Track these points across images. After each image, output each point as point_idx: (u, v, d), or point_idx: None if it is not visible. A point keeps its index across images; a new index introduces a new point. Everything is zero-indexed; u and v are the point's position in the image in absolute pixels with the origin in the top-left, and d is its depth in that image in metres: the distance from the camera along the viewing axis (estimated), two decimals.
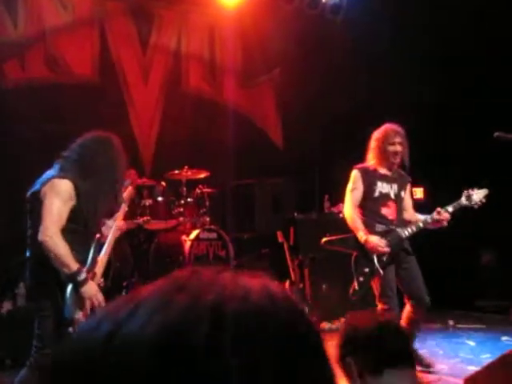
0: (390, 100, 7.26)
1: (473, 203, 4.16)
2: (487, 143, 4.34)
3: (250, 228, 6.79)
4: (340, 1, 7.77)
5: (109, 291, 5.31)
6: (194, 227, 5.96)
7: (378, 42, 7.23)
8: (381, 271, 4.08)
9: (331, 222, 6.86)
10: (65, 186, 3.10)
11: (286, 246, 6.43)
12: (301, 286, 6.39)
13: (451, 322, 6.09)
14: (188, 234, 5.81)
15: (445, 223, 4.13)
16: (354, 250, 4.19)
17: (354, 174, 4.29)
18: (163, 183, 6.03)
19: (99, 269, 3.34)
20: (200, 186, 6.11)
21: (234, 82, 7.67)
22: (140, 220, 5.75)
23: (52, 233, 3.01)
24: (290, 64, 7.59)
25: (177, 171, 6.06)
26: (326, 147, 8.03)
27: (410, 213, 4.38)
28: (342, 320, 6.50)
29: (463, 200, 4.17)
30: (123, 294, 5.61)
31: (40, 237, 3.00)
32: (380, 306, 4.12)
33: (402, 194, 4.30)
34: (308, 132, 7.72)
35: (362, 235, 4.10)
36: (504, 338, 5.29)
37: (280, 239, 6.44)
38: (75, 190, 3.12)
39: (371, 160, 4.29)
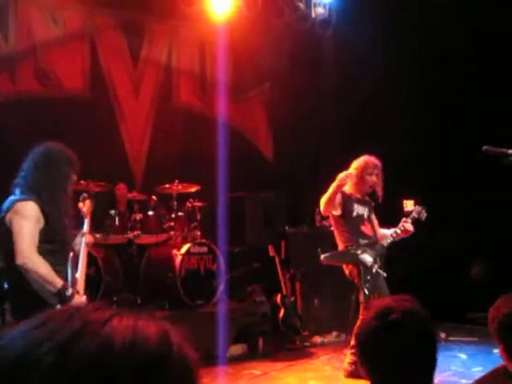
0: (382, 113, 7.33)
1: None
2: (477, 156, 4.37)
3: (241, 242, 6.77)
4: (329, 16, 7.84)
5: None
6: (184, 241, 5.94)
7: (368, 56, 7.30)
8: (384, 274, 4.64)
9: (322, 236, 6.86)
10: (30, 208, 3.04)
11: (277, 260, 6.41)
12: (292, 299, 6.37)
13: (443, 335, 6.08)
14: (179, 248, 5.78)
15: (411, 230, 4.73)
16: (351, 263, 4.66)
17: (338, 197, 4.78)
18: (154, 197, 6.01)
19: (80, 286, 3.27)
20: (191, 200, 6.09)
21: (224, 96, 7.69)
22: (130, 234, 5.73)
23: (29, 254, 2.95)
24: (281, 78, 7.64)
25: (167, 185, 6.05)
26: (315, 161, 8.07)
27: (379, 231, 4.98)
28: (334, 333, 6.50)
29: (414, 215, 4.81)
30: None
31: (18, 261, 2.94)
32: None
33: (372, 216, 4.94)
34: (298, 145, 7.75)
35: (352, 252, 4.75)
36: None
37: (271, 253, 6.43)
38: (41, 211, 3.06)
39: (346, 185, 4.75)
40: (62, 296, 3.01)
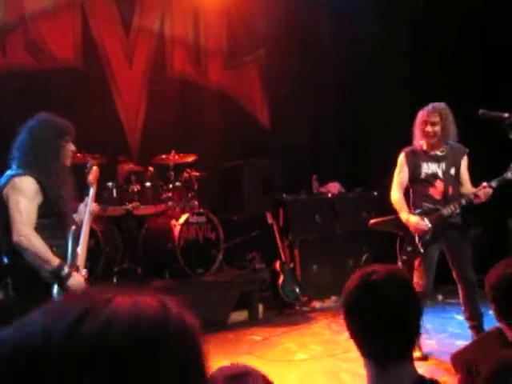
0: (375, 77, 7.26)
1: None
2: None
3: (239, 210, 6.80)
4: None
5: (99, 277, 5.33)
6: (183, 211, 5.96)
7: (363, 20, 7.20)
8: (421, 250, 4.23)
9: (320, 203, 6.91)
10: (27, 183, 3.02)
11: (275, 227, 6.46)
12: (291, 266, 6.43)
13: (440, 297, 6.17)
14: (177, 219, 5.80)
15: (483, 198, 4.12)
16: (399, 231, 4.34)
17: (400, 157, 4.43)
18: (151, 168, 6.00)
19: (81, 261, 3.26)
20: (188, 170, 6.09)
21: (219, 64, 7.60)
22: (129, 206, 5.74)
23: (26, 232, 2.95)
24: (275, 44, 7.54)
25: (164, 156, 6.03)
26: (312, 127, 8.03)
27: (465, 187, 4.40)
28: (333, 298, 6.59)
29: (509, 174, 4.12)
30: (114, 279, 5.62)
31: (14, 239, 2.94)
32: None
33: (452, 171, 4.32)
34: (295, 112, 7.70)
35: (404, 215, 4.29)
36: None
37: (269, 220, 6.47)
38: (39, 185, 3.04)
39: (417, 138, 4.35)
40: (58, 275, 3.01)
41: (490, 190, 4.11)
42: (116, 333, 0.64)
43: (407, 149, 4.42)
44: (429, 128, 4.22)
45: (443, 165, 4.31)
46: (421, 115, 4.27)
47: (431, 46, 6.89)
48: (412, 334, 1.57)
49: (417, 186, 4.38)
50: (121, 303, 0.67)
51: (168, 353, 0.67)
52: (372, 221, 4.63)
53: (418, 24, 7.00)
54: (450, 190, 4.30)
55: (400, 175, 4.41)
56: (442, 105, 4.27)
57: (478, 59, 6.62)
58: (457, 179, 4.34)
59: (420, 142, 4.36)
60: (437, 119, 4.20)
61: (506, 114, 3.96)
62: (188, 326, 0.71)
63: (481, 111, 4.03)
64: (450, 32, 6.81)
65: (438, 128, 4.21)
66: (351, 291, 1.58)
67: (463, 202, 4.22)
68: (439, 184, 4.31)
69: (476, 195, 4.15)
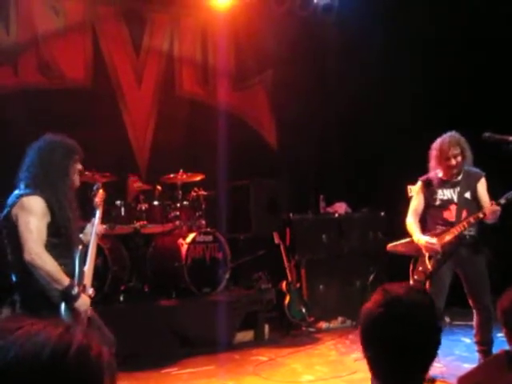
0: (384, 99, 7.30)
1: None
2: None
3: (246, 229, 6.81)
4: (331, 1, 7.79)
5: (106, 296, 5.34)
6: (190, 230, 5.98)
7: (371, 42, 7.27)
8: (430, 268, 4.28)
9: (327, 222, 6.91)
10: (35, 203, 3.03)
11: (282, 247, 6.46)
12: (298, 286, 6.42)
13: (447, 319, 6.12)
14: (184, 238, 5.82)
15: (489, 216, 4.11)
16: (413, 252, 4.41)
17: (417, 185, 4.56)
18: (159, 187, 6.04)
19: (88, 279, 3.28)
20: (195, 189, 6.12)
21: (227, 85, 7.68)
22: (137, 224, 5.77)
23: (37, 251, 2.97)
24: (283, 65, 7.62)
25: (172, 175, 6.08)
26: (320, 147, 8.07)
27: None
28: (340, 319, 6.55)
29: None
30: (121, 298, 5.62)
31: (26, 257, 2.95)
32: None
33: (467, 194, 4.34)
34: (302, 132, 7.75)
35: (415, 236, 4.37)
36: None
37: (276, 240, 6.47)
38: (47, 205, 3.06)
39: (435, 168, 4.41)
40: (67, 295, 3.03)
41: (496, 208, 4.08)
42: (17, 358, 0.71)
43: (424, 177, 4.51)
44: (452, 162, 4.27)
45: (458, 189, 4.36)
46: (440, 149, 4.30)
47: (440, 70, 6.93)
48: (429, 361, 1.56)
49: (432, 211, 4.46)
50: (26, 331, 0.74)
51: (66, 379, 0.73)
52: (389, 245, 4.68)
53: (428, 46, 7.05)
54: (464, 213, 4.30)
55: (415, 202, 4.53)
56: (457, 135, 4.32)
57: (491, 85, 6.63)
58: (473, 203, 4.34)
59: (436, 171, 4.42)
60: (458, 151, 4.27)
61: (511, 138, 3.97)
62: (91, 354, 0.76)
63: (486, 134, 4.05)
64: (459, 56, 6.85)
65: (459, 158, 4.28)
66: (372, 312, 1.52)
67: (471, 220, 4.19)
68: (453, 207, 4.35)
69: (484, 213, 4.13)
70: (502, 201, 4.10)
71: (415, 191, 4.55)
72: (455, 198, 4.34)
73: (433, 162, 4.40)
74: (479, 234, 4.31)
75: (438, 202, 4.38)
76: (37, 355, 0.72)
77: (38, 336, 0.74)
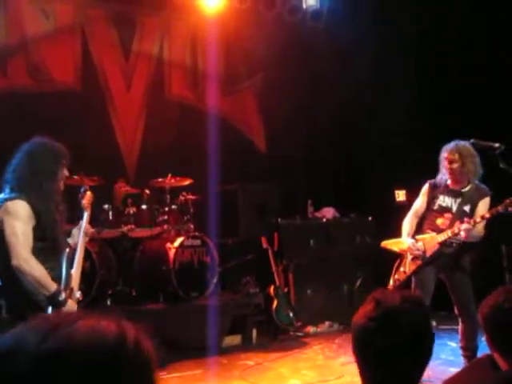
0: (374, 104, 7.36)
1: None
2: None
3: (234, 234, 6.82)
4: (320, 7, 7.85)
5: (94, 299, 5.32)
6: (178, 234, 5.98)
7: (363, 46, 7.33)
8: (407, 270, 4.40)
9: (315, 227, 6.94)
10: (20, 207, 3.01)
11: (270, 252, 6.47)
12: (285, 290, 6.43)
13: (433, 323, 6.17)
14: (172, 242, 5.82)
15: (463, 234, 4.15)
16: (403, 252, 4.50)
17: (424, 187, 4.60)
18: (147, 191, 6.04)
19: (75, 282, 3.26)
20: (183, 193, 6.12)
21: (216, 89, 7.70)
22: (124, 228, 5.76)
23: (25, 256, 2.95)
24: (273, 70, 7.66)
25: (160, 179, 6.07)
26: (309, 152, 8.11)
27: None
28: (327, 323, 6.58)
29: (499, 208, 4.09)
30: (108, 302, 5.61)
31: (14, 263, 2.94)
32: None
33: (467, 208, 4.34)
34: (291, 137, 7.78)
35: (403, 237, 4.49)
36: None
37: (264, 245, 6.48)
38: (32, 209, 3.04)
39: (440, 170, 4.47)
40: (54, 300, 3.01)
41: (467, 226, 4.11)
42: (75, 351, 0.73)
43: (432, 181, 4.55)
44: (447, 166, 4.32)
45: (459, 200, 4.38)
46: (442, 152, 4.38)
47: (432, 75, 6.99)
48: (422, 370, 1.56)
49: (428, 215, 4.50)
50: (82, 325, 0.76)
51: (121, 375, 0.74)
52: (383, 242, 4.76)
53: (420, 50, 7.11)
54: (457, 225, 4.29)
55: (417, 203, 4.59)
56: (462, 143, 4.32)
57: (485, 90, 6.67)
58: (470, 217, 4.29)
59: (443, 176, 4.47)
60: (455, 157, 4.27)
61: (497, 144, 4.03)
62: (145, 349, 0.78)
63: (472, 140, 4.11)
64: (452, 59, 6.91)
65: (455, 166, 4.27)
66: (365, 326, 1.49)
67: (456, 230, 4.23)
68: (448, 216, 4.38)
69: (459, 229, 4.18)
70: (487, 215, 4.14)
71: (421, 192, 4.61)
72: (454, 208, 4.37)
73: (440, 165, 4.48)
74: (464, 242, 4.33)
75: (436, 207, 4.43)
76: (102, 342, 0.75)
77: (99, 325, 0.77)
